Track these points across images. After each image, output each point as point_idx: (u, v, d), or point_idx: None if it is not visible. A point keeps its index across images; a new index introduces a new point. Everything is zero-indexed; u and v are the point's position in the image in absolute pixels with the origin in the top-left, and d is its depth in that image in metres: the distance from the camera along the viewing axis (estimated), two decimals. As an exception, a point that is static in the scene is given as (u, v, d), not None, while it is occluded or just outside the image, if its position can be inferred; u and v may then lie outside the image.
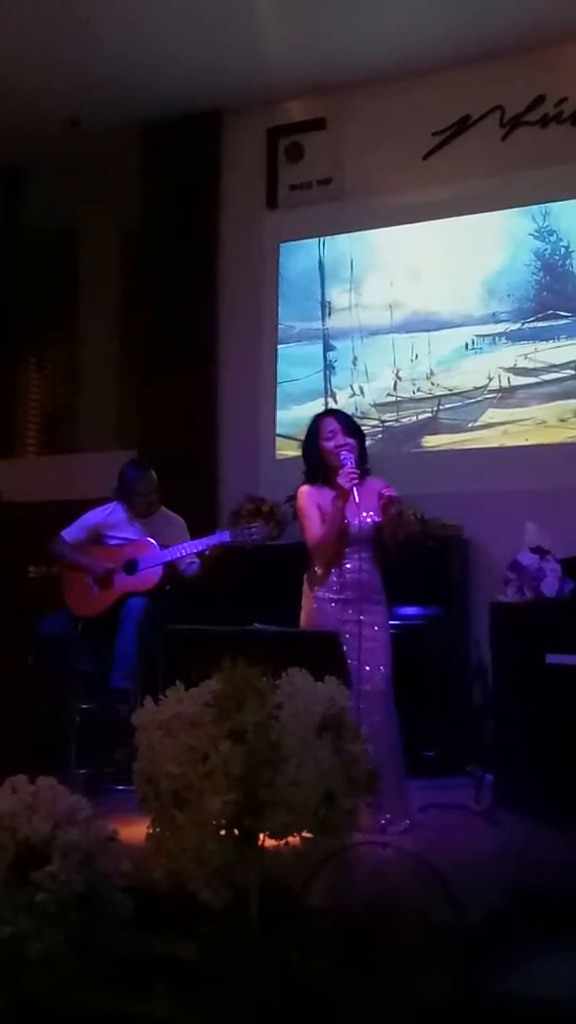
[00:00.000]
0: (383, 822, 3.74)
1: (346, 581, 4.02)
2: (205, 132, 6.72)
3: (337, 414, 4.31)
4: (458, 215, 6.16)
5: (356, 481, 3.93)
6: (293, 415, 6.38)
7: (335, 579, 4.04)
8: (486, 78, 6.02)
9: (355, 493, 3.92)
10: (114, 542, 4.95)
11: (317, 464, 4.15)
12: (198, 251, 6.71)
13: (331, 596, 4.03)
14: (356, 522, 4.02)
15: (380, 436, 6.24)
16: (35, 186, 7.37)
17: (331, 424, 4.14)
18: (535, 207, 5.98)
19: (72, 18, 5.61)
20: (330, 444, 4.09)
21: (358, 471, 3.98)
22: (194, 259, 6.71)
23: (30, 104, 6.37)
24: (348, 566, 4.03)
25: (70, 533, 5.00)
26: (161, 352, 6.73)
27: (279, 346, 6.53)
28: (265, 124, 6.61)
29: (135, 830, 2.46)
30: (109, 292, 7.27)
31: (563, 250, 5.92)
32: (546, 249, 5.97)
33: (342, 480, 3.94)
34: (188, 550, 4.80)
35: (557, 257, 5.94)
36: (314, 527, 4.06)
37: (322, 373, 6.42)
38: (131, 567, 4.83)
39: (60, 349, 7.60)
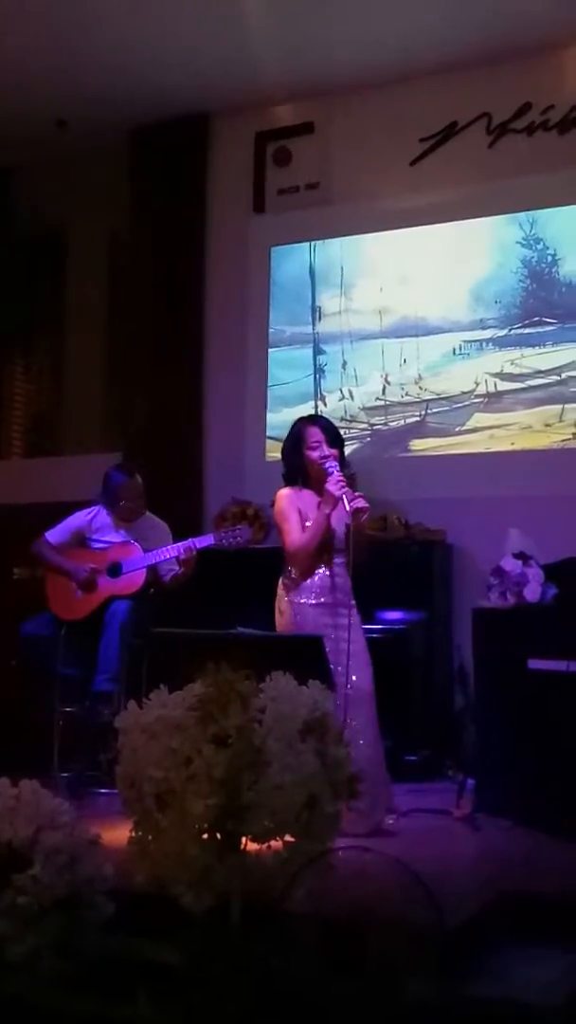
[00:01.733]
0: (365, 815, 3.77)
1: (326, 585, 4.03)
2: (193, 135, 6.72)
3: (321, 422, 4.30)
4: (445, 221, 6.18)
5: (345, 489, 3.94)
6: (283, 418, 6.39)
7: (316, 583, 4.04)
8: (473, 85, 6.05)
9: (345, 501, 3.93)
10: (98, 545, 4.93)
11: (298, 469, 4.17)
12: (185, 254, 6.71)
13: (311, 601, 4.04)
14: (341, 528, 4.04)
15: (369, 440, 6.28)
16: (23, 188, 7.36)
17: (317, 434, 4.15)
18: (522, 215, 6.02)
19: (60, 21, 5.61)
20: (315, 454, 4.11)
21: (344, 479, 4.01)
22: (181, 262, 6.71)
23: (18, 106, 6.37)
24: (328, 571, 4.04)
25: (54, 535, 4.97)
26: (147, 355, 6.72)
27: (270, 349, 6.56)
28: (253, 128, 6.62)
29: (118, 833, 2.46)
30: (96, 295, 7.26)
31: (550, 258, 5.97)
32: (533, 256, 6.01)
33: (332, 487, 3.95)
34: (172, 553, 4.79)
35: (544, 265, 5.99)
36: (294, 531, 4.07)
37: (312, 377, 6.47)
38: (115, 570, 4.81)
39: (47, 351, 7.59)
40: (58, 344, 7.47)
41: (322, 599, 4.03)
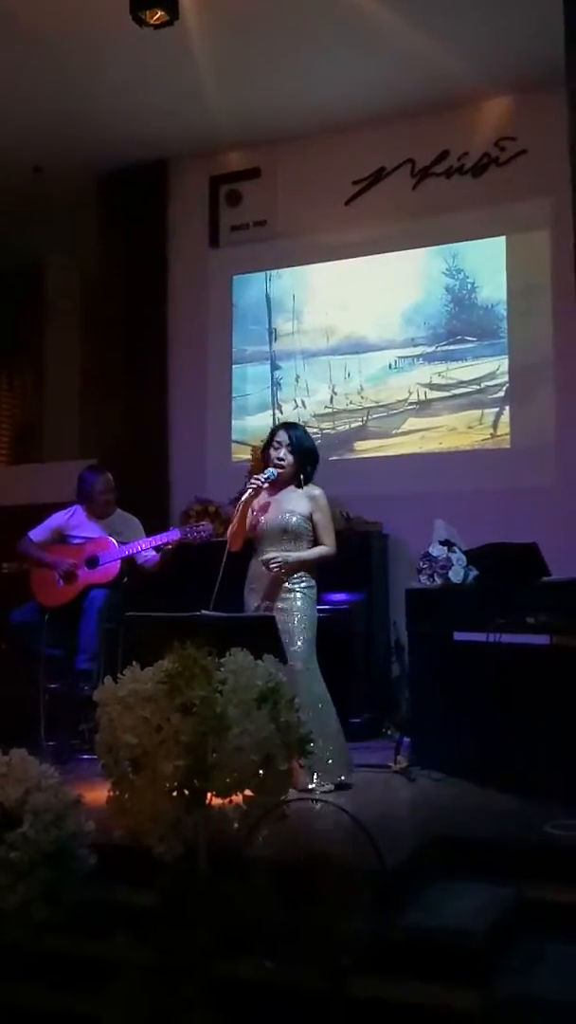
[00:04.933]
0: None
1: (254, 573, 4.07)
2: (155, 179, 6.69)
3: (288, 429, 4.24)
4: (377, 253, 6.23)
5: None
6: (245, 424, 6.53)
7: (249, 572, 4.08)
8: (398, 135, 6.08)
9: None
10: (77, 541, 4.90)
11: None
12: (149, 282, 6.68)
13: (249, 586, 4.07)
14: (273, 523, 4.06)
15: (319, 443, 6.25)
16: (4, 226, 7.25)
17: (280, 436, 4.17)
18: (445, 249, 6.09)
19: (37, 80, 5.54)
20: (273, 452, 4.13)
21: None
22: (147, 290, 6.68)
23: (-1, 153, 6.30)
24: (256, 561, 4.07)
25: (37, 534, 4.93)
26: (118, 372, 6.68)
27: (233, 366, 6.60)
28: (207, 172, 6.60)
29: (98, 794, 2.45)
30: (72, 319, 7.21)
31: (469, 286, 6.07)
32: (455, 285, 6.11)
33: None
34: (143, 546, 4.78)
35: (464, 292, 6.09)
36: None
37: (270, 389, 6.54)
38: (93, 562, 4.78)
39: (29, 369, 7.51)
40: (39, 363, 7.40)
41: (252, 585, 4.06)
